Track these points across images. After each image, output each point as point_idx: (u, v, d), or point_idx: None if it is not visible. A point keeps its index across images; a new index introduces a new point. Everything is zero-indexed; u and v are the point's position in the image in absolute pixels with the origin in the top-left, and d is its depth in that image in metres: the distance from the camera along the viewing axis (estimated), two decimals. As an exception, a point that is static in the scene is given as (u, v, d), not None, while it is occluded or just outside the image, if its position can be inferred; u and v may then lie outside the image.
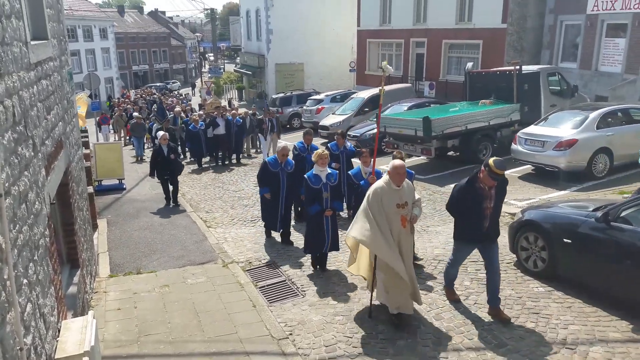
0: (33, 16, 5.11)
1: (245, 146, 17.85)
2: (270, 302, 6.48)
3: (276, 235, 8.85)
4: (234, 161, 16.52)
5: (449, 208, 5.96)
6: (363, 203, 5.64)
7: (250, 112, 18.61)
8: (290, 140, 18.23)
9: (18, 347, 2.84)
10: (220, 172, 15.06)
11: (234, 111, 18.04)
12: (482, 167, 5.42)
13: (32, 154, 3.92)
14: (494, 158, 5.38)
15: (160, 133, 11.69)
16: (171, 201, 11.45)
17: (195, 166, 16.07)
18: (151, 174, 11.55)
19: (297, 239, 8.60)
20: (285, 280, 7.12)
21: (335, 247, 7.35)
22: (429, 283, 6.67)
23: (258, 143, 18.49)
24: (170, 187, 11.48)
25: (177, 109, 21.25)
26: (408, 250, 5.59)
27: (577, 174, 10.93)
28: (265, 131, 16.57)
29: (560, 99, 15.07)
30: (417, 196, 5.73)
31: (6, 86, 3.33)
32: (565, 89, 15.42)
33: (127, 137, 22.22)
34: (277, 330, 5.70)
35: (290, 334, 5.65)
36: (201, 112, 20.49)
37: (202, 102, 30.69)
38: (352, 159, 10.00)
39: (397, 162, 5.50)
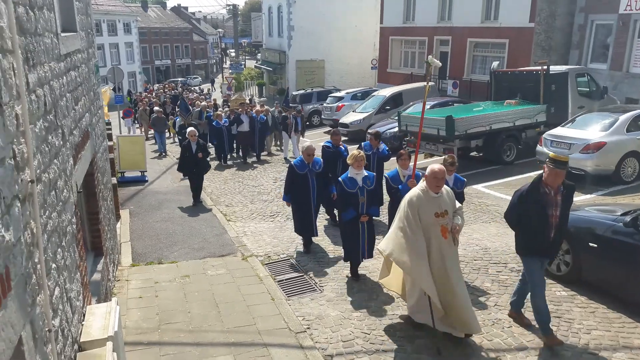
0: (63, 8, 5.21)
1: (268, 143, 17.56)
2: (288, 296, 6.51)
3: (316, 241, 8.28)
4: (255, 159, 16.32)
5: (508, 217, 5.34)
6: (397, 213, 5.20)
7: (272, 109, 18.36)
8: (310, 138, 18.22)
9: (47, 329, 2.90)
10: (242, 170, 14.89)
11: (257, 108, 17.75)
12: (545, 165, 5.02)
13: (61, 142, 4.00)
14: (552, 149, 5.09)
15: (190, 129, 11.40)
16: (192, 199, 11.13)
17: (218, 162, 16.05)
18: (179, 169, 11.45)
19: (320, 239, 8.60)
20: (303, 275, 7.14)
21: (370, 255, 6.90)
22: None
23: (280, 141, 18.02)
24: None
25: (203, 103, 20.77)
26: (453, 264, 5.01)
27: (605, 178, 10.70)
28: (290, 129, 16.19)
29: (588, 100, 14.75)
30: (458, 204, 5.27)
31: (38, 76, 3.40)
32: (594, 90, 15.09)
33: (150, 132, 22.22)
34: (295, 324, 5.73)
35: (308, 328, 5.67)
36: (226, 109, 20.25)
37: (225, 97, 30.28)
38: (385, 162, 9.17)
39: (437, 166, 4.99)
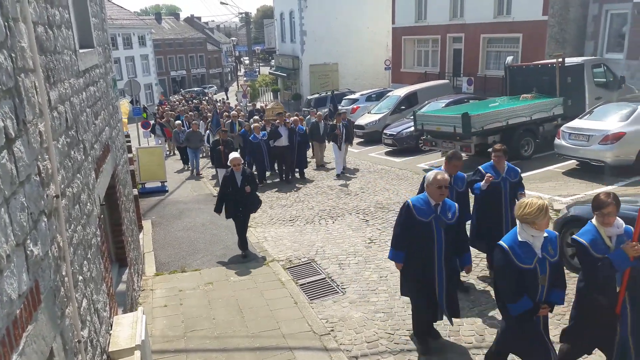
0: (80, 25, 5.34)
1: (317, 154, 15.32)
2: (311, 299, 6.54)
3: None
4: (297, 176, 13.96)
5: None
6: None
7: (308, 117, 16.23)
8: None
9: (76, 340, 2.98)
10: (286, 192, 12.57)
11: (295, 118, 14.90)
12: None
13: (83, 157, 4.10)
14: None
15: (233, 155, 8.38)
16: (239, 248, 8.47)
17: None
18: (217, 209, 8.45)
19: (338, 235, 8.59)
20: (325, 278, 7.17)
21: None
22: (469, 280, 6.58)
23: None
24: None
25: (234, 112, 18.53)
26: None
27: (625, 169, 10.51)
28: (340, 139, 13.52)
29: (606, 91, 14.51)
30: None
31: (59, 93, 3.50)
32: (611, 80, 14.84)
33: (171, 150, 20.64)
34: (319, 327, 5.76)
35: (332, 330, 5.69)
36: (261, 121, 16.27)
37: (252, 107, 27.14)
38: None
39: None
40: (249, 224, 8.79)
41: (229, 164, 8.40)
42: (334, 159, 14.38)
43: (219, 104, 33.72)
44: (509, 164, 6.44)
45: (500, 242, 3.91)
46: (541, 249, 3.79)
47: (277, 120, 14.02)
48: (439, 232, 4.73)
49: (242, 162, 8.43)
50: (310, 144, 14.99)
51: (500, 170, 6.36)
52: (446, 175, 4.76)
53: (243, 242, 8.43)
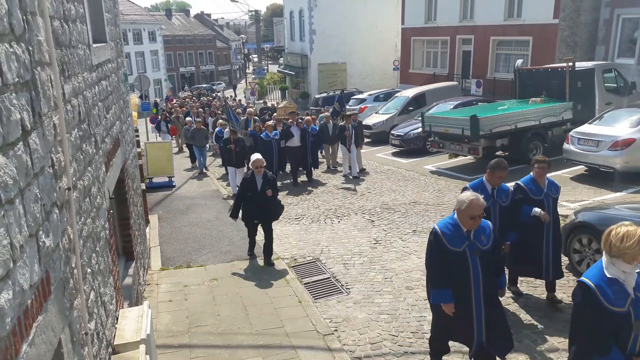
0: (93, 20, 5.37)
1: (327, 156, 14.93)
2: (315, 299, 6.55)
3: None
4: (306, 179, 13.44)
5: None
6: None
7: (316, 118, 15.42)
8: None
9: (84, 332, 3.01)
10: (297, 194, 12.04)
11: (308, 117, 14.24)
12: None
13: (94, 150, 4.14)
14: None
15: (255, 156, 7.86)
16: (264, 259, 7.84)
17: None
18: (234, 214, 7.91)
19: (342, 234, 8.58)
20: (329, 278, 7.17)
21: None
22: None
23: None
24: (260, 237, 8.07)
25: (250, 109, 17.90)
26: None
27: (635, 175, 10.44)
28: (349, 141, 13.12)
29: (616, 96, 14.44)
30: None
31: (73, 86, 3.53)
32: (622, 86, 14.77)
33: (181, 146, 20.21)
34: (323, 326, 5.76)
35: (336, 330, 5.70)
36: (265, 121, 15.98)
37: (263, 105, 26.05)
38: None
39: None
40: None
41: (250, 166, 7.96)
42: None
43: (233, 102, 32.11)
44: (549, 177, 5.82)
45: (583, 278, 3.12)
46: (635, 288, 3.01)
47: (290, 120, 13.57)
48: (474, 261, 4.06)
49: (264, 164, 7.84)
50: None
51: (541, 184, 5.71)
52: (482, 201, 4.05)
53: (267, 254, 7.80)
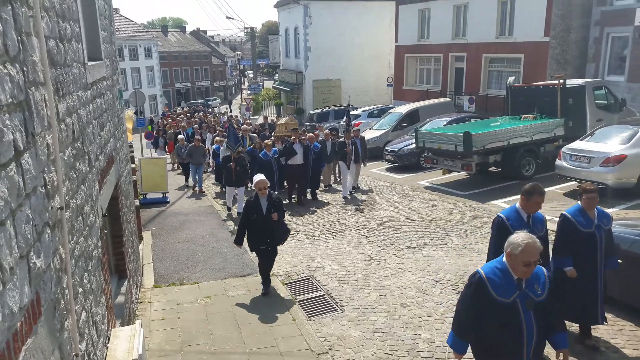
0: (89, 38, 5.40)
1: (325, 176, 14.35)
2: (309, 316, 6.50)
3: None
4: (309, 197, 13.01)
5: None
6: None
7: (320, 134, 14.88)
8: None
9: (74, 353, 2.97)
10: (300, 215, 11.51)
11: (310, 134, 13.87)
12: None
13: (88, 168, 4.13)
14: None
15: (258, 177, 7.47)
16: (262, 286, 7.38)
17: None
18: (238, 240, 7.44)
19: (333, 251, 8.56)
20: (324, 295, 7.13)
21: None
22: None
23: (338, 171, 14.72)
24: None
25: (245, 126, 17.54)
26: None
27: (626, 191, 10.52)
28: (349, 157, 12.73)
29: (607, 113, 14.61)
30: None
31: (67, 105, 3.54)
32: (612, 102, 14.95)
33: (175, 164, 19.75)
34: (317, 345, 5.72)
35: (330, 349, 5.65)
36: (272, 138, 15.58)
37: (263, 122, 25.74)
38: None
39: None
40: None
41: (252, 187, 7.65)
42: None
43: (232, 118, 30.62)
44: (599, 207, 5.19)
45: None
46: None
47: (292, 137, 12.92)
48: (527, 316, 3.41)
49: (269, 184, 7.45)
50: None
51: (591, 215, 5.09)
52: (539, 244, 3.38)
53: (266, 280, 7.38)
